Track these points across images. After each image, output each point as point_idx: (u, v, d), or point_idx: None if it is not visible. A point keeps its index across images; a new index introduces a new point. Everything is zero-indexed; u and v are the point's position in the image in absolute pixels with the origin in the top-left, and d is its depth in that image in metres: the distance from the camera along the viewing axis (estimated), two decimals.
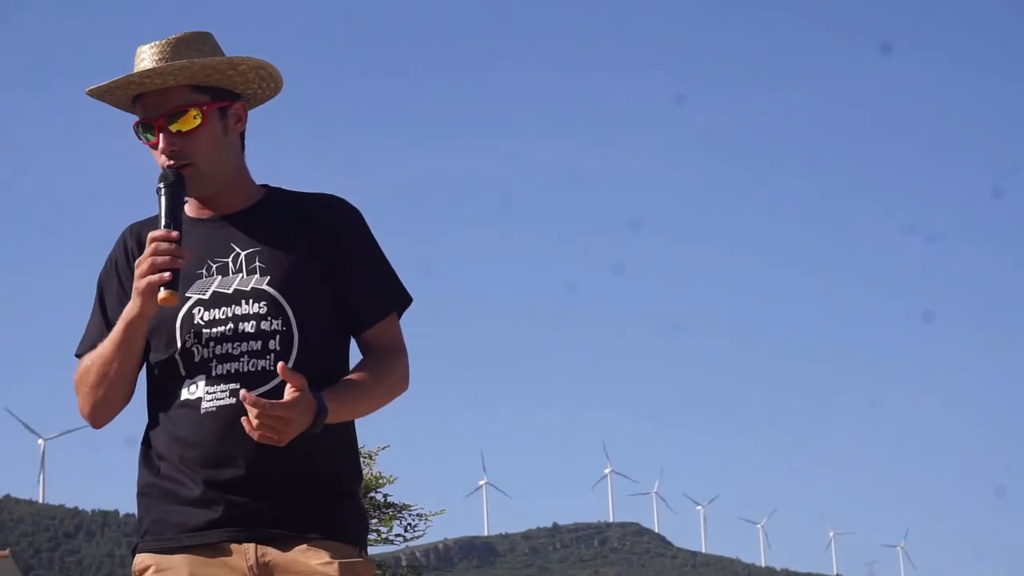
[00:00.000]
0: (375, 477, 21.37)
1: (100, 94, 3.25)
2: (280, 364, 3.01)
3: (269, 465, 3.13)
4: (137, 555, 3.22)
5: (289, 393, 2.99)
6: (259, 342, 3.16)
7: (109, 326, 3.23)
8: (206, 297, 3.19)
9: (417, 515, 21.90)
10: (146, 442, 3.25)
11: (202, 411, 3.14)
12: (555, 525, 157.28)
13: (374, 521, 21.32)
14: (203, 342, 3.17)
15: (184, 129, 3.20)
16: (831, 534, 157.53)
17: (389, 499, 21.65)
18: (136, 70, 3.21)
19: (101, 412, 3.23)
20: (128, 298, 3.21)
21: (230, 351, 3.16)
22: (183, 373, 3.18)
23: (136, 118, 3.28)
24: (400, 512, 21.74)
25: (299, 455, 3.14)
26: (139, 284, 3.08)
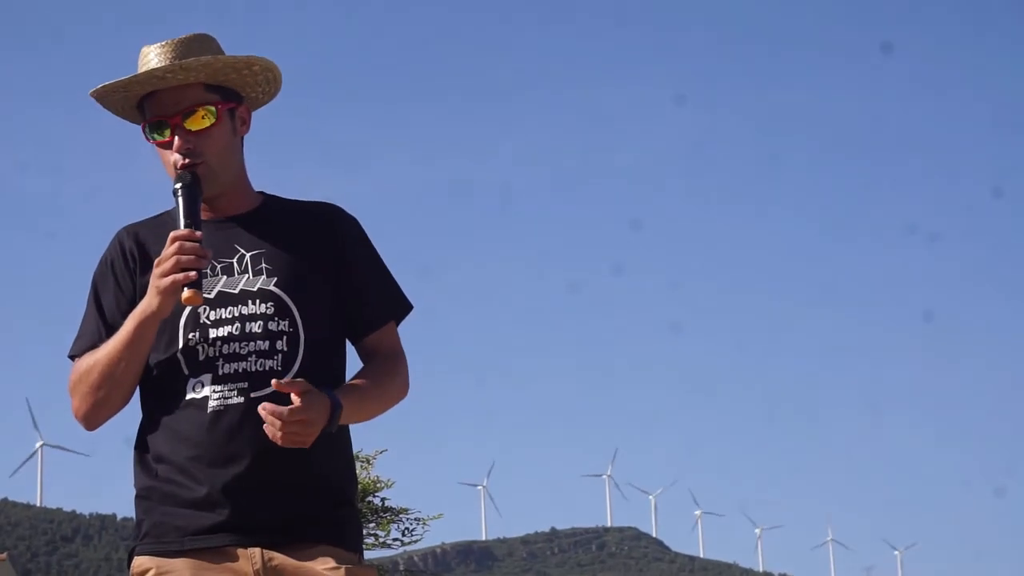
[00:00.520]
0: (373, 481, 21.34)
1: (109, 92, 3.25)
2: (274, 381, 3.04)
3: (277, 466, 3.12)
4: (136, 557, 3.19)
5: (297, 398, 3.00)
6: (267, 342, 3.16)
7: (106, 326, 3.21)
8: (211, 296, 3.19)
9: (415, 519, 21.87)
10: (142, 445, 3.22)
11: (209, 410, 3.13)
12: (553, 530, 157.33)
13: (371, 525, 21.30)
14: (209, 341, 3.16)
15: (199, 128, 3.21)
16: (829, 538, 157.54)
17: (387, 503, 21.62)
18: (145, 69, 3.20)
19: (99, 413, 3.20)
20: (126, 298, 3.21)
21: (237, 350, 3.15)
22: (186, 372, 3.17)
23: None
24: (398, 516, 21.71)
25: (307, 459, 3.13)
26: (161, 282, 3.06)
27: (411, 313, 3.38)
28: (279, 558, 3.11)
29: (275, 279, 3.21)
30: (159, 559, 3.14)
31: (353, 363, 3.32)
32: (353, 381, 3.23)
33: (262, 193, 3.37)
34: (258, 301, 3.19)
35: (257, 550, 3.11)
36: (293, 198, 3.38)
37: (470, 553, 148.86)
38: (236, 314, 3.18)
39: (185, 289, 3.04)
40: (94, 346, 3.21)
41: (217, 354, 3.16)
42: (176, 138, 3.20)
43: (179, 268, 3.05)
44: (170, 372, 3.18)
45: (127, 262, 3.26)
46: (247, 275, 3.22)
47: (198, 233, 3.10)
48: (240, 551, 3.11)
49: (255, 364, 3.15)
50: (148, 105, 3.25)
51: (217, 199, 3.27)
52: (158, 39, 3.25)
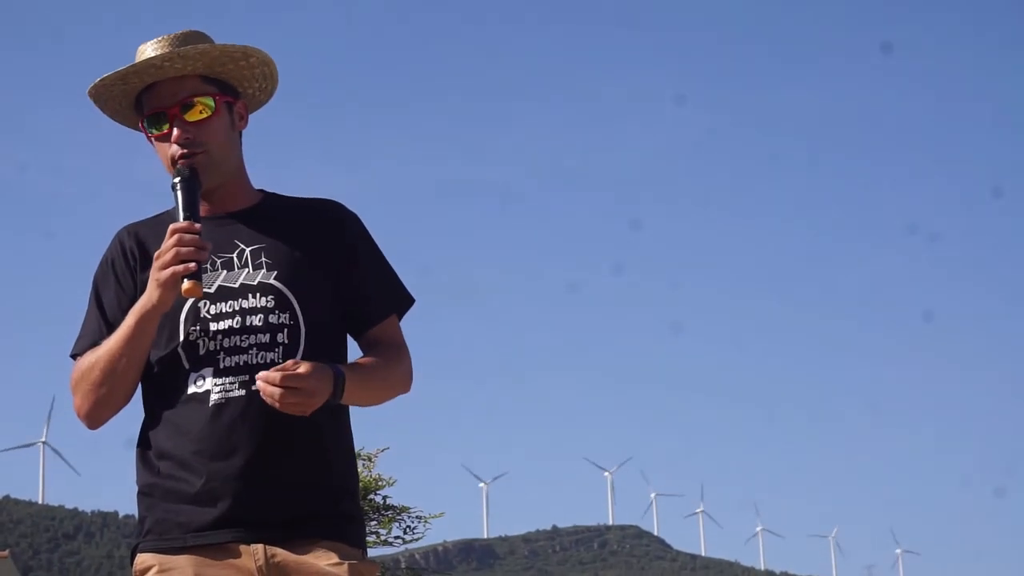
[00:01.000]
0: (375, 479, 21.35)
1: (107, 88, 3.25)
2: (259, 374, 3.03)
3: (279, 460, 3.12)
4: (138, 555, 3.19)
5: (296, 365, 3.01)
6: (267, 335, 3.16)
7: (108, 325, 3.21)
8: (211, 291, 3.19)
9: (416, 517, 21.88)
10: (144, 442, 3.22)
11: (211, 403, 3.13)
12: (554, 528, 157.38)
13: (373, 523, 21.31)
14: (210, 335, 3.16)
15: (197, 119, 3.22)
16: (830, 537, 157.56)
17: (388, 501, 21.62)
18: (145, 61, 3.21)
19: (102, 411, 3.20)
20: (127, 297, 3.22)
21: (238, 343, 3.15)
22: (187, 367, 3.17)
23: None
24: (399, 514, 21.71)
25: (310, 454, 3.15)
26: (161, 275, 3.07)
27: (413, 310, 3.38)
28: (282, 554, 3.11)
29: (275, 273, 3.21)
30: (162, 556, 3.14)
31: (354, 357, 3.31)
32: (359, 360, 3.24)
33: (262, 191, 3.38)
34: (258, 295, 3.19)
35: (260, 546, 3.10)
36: (293, 195, 3.39)
37: (472, 551, 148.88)
38: (237, 308, 3.18)
39: (185, 280, 3.04)
40: (95, 344, 3.21)
41: (218, 348, 3.16)
42: (175, 129, 3.21)
43: (179, 260, 3.05)
44: (171, 367, 3.18)
45: (128, 261, 3.26)
46: (247, 269, 3.22)
47: (197, 225, 3.10)
48: (243, 547, 3.10)
49: (256, 357, 3.15)
50: (146, 100, 3.26)
51: (216, 195, 3.27)
52: (157, 32, 3.27)
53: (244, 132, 3.35)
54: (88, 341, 3.24)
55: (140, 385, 3.24)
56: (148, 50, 3.22)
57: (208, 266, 3.20)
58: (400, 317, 3.35)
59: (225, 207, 3.30)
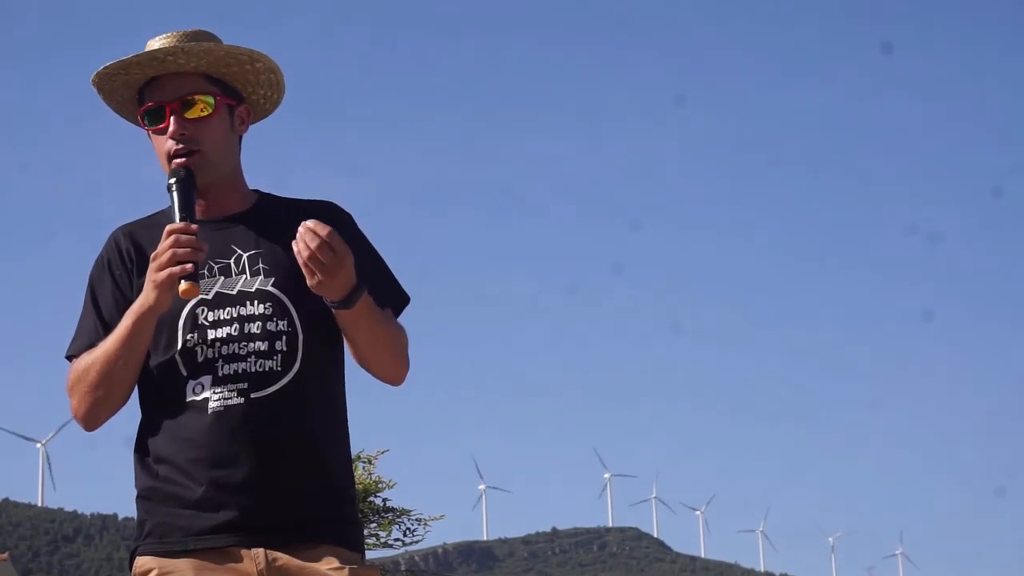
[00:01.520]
0: (374, 482, 21.34)
1: (110, 77, 3.25)
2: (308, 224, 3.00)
3: (279, 466, 3.12)
4: (138, 558, 3.18)
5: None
6: (265, 343, 3.16)
7: (104, 326, 3.21)
8: (209, 297, 3.19)
9: (416, 520, 21.87)
10: (142, 447, 3.22)
11: (210, 411, 3.12)
12: (554, 530, 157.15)
13: (373, 526, 21.30)
14: (208, 342, 3.16)
15: (196, 116, 3.22)
16: (831, 539, 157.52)
17: (388, 503, 21.62)
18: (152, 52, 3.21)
19: (98, 413, 3.19)
20: (123, 298, 3.21)
21: (236, 351, 3.15)
22: (185, 374, 3.16)
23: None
24: (399, 517, 21.70)
25: (309, 459, 3.15)
26: (158, 276, 3.06)
27: (412, 310, 3.36)
28: (283, 558, 3.11)
29: (273, 279, 3.21)
30: (162, 559, 3.14)
31: (352, 363, 3.31)
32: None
33: (257, 191, 3.37)
34: (256, 302, 3.19)
35: (261, 550, 3.10)
36: (288, 196, 3.38)
37: (471, 553, 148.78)
38: (235, 315, 3.18)
39: (182, 282, 3.03)
40: (92, 346, 3.20)
41: (216, 355, 3.15)
42: (172, 123, 3.21)
43: (175, 261, 3.04)
44: (169, 374, 3.18)
45: (124, 262, 3.26)
46: (244, 275, 3.22)
47: (194, 226, 3.09)
48: (244, 551, 3.11)
49: (254, 365, 3.15)
50: (147, 93, 3.26)
51: (213, 198, 3.27)
52: (159, 34, 3.26)
53: (245, 138, 3.34)
54: (84, 342, 3.23)
55: (137, 389, 3.23)
56: (155, 44, 3.23)
57: (205, 272, 3.20)
58: (397, 315, 3.34)
59: (221, 211, 3.29)
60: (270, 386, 3.14)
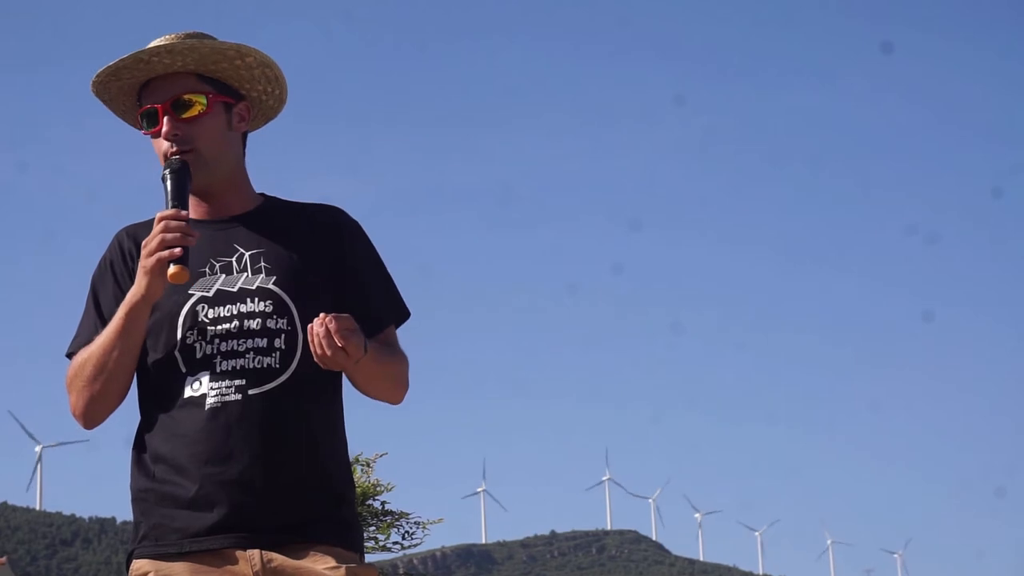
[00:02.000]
0: (373, 485, 21.35)
1: (107, 81, 3.26)
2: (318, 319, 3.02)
3: (275, 464, 3.11)
4: (134, 561, 3.17)
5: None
6: (264, 340, 3.16)
7: (104, 324, 3.20)
8: (210, 295, 3.19)
9: (415, 523, 21.88)
10: (139, 445, 3.21)
11: (207, 407, 3.12)
12: (553, 533, 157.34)
13: (371, 529, 21.31)
14: (207, 339, 3.15)
15: (188, 116, 3.22)
16: (829, 542, 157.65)
17: (387, 507, 21.63)
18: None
19: (96, 409, 3.19)
20: (124, 297, 3.20)
21: (235, 348, 3.15)
22: (184, 370, 3.16)
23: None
24: (398, 520, 21.72)
25: (306, 457, 3.14)
26: (147, 262, 3.07)
27: (410, 318, 3.37)
28: (279, 559, 3.09)
29: (274, 277, 3.21)
30: (158, 562, 3.12)
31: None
32: (376, 341, 3.22)
33: (263, 195, 3.37)
34: (256, 299, 3.19)
35: (256, 552, 3.09)
36: (294, 200, 3.38)
37: (470, 556, 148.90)
38: (235, 312, 3.17)
39: (171, 266, 3.03)
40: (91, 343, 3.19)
41: (215, 351, 3.15)
42: (165, 124, 3.21)
43: (164, 246, 3.05)
44: (168, 370, 3.17)
45: (126, 262, 3.26)
46: (246, 273, 3.22)
47: (184, 212, 3.10)
48: (239, 553, 3.09)
49: (253, 361, 3.14)
50: (143, 96, 3.27)
51: (216, 198, 3.28)
52: (159, 37, 3.26)
53: (252, 139, 3.35)
54: (83, 340, 3.23)
55: (137, 388, 3.23)
56: (152, 45, 3.22)
57: (207, 269, 3.20)
58: (397, 327, 3.35)
59: (225, 211, 3.29)
60: (268, 383, 3.14)
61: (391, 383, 3.28)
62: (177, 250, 3.04)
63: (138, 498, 3.19)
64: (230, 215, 3.29)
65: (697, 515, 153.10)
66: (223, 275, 3.21)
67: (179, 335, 3.17)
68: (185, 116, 3.21)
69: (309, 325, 3.03)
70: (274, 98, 3.37)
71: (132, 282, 3.22)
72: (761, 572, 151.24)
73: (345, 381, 3.31)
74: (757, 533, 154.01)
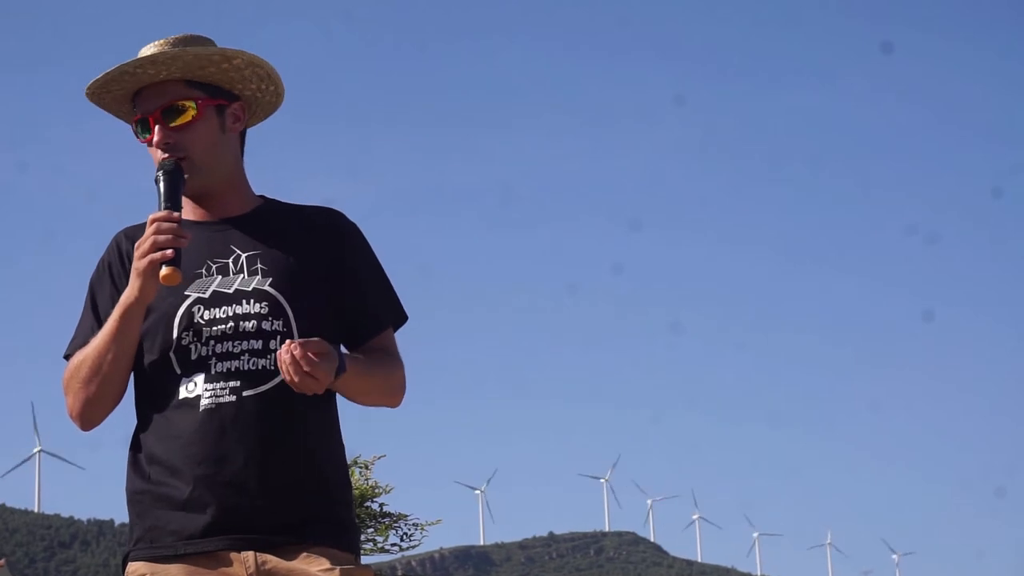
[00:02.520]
0: (371, 487, 21.35)
1: (98, 93, 3.26)
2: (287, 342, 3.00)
3: (270, 466, 3.11)
4: (129, 563, 3.17)
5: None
6: (259, 341, 3.15)
7: (101, 326, 3.19)
8: (206, 296, 3.18)
9: (413, 524, 21.89)
10: (136, 446, 3.21)
11: (201, 408, 3.11)
12: (551, 534, 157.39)
13: (370, 530, 21.31)
14: (203, 340, 3.15)
15: (179, 123, 3.20)
16: (828, 540, 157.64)
17: (385, 509, 21.64)
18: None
19: (92, 411, 3.18)
20: None
21: (231, 349, 3.14)
22: (179, 371, 3.15)
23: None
24: (396, 521, 21.72)
25: (301, 458, 3.14)
26: (140, 264, 3.07)
27: (409, 311, 3.36)
28: (273, 561, 3.09)
29: (270, 279, 3.20)
30: (153, 565, 3.12)
31: None
32: (361, 353, 3.22)
33: (262, 196, 3.36)
34: (252, 301, 3.18)
35: (251, 553, 3.08)
36: (292, 202, 3.37)
37: (468, 558, 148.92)
38: (230, 313, 3.17)
39: (163, 267, 3.03)
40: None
41: (210, 353, 3.14)
42: (156, 133, 3.20)
43: (156, 248, 3.05)
44: (163, 372, 3.17)
45: (124, 264, 3.25)
46: (242, 275, 3.21)
47: (176, 214, 3.10)
48: (234, 555, 3.09)
49: (248, 363, 3.14)
50: (136, 105, 3.26)
51: (213, 200, 3.27)
52: (160, 37, 3.25)
53: (251, 140, 3.34)
54: (80, 342, 3.23)
55: (133, 390, 3.23)
56: (147, 51, 3.22)
57: (204, 271, 3.20)
58: (395, 331, 3.34)
59: (222, 213, 3.29)
60: (262, 385, 3.13)
61: (380, 394, 3.27)
62: (169, 252, 3.04)
63: (133, 500, 3.19)
64: (228, 217, 3.28)
65: (695, 516, 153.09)
66: (219, 277, 3.21)
67: (175, 336, 3.16)
68: (176, 124, 3.20)
69: (278, 351, 3.02)
70: (270, 93, 3.36)
71: (131, 267, 3.22)
72: (759, 573, 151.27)
73: None
74: (755, 534, 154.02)
